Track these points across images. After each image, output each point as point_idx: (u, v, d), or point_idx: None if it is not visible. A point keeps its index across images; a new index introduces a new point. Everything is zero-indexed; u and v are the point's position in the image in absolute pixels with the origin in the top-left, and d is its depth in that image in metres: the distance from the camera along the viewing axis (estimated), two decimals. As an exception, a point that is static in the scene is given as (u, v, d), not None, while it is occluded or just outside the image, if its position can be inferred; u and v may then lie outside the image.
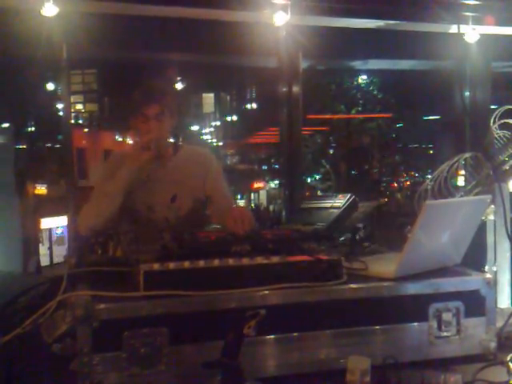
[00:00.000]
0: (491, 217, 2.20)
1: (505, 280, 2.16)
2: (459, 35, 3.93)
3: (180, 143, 2.60)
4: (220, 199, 2.45)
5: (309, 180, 19.11)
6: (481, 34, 3.98)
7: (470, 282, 1.70)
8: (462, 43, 4.01)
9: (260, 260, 1.58)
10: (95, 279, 1.59)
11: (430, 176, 2.38)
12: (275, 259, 1.59)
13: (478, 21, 3.93)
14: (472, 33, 3.93)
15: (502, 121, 2.28)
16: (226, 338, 1.32)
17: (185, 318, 1.44)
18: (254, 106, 26.49)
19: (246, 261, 1.58)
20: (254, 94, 26.51)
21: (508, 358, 1.56)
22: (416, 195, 2.30)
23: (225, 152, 26.48)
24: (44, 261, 15.67)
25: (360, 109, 19.92)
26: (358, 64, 5.56)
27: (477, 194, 2.24)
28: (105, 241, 1.80)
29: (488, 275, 1.73)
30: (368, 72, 18.48)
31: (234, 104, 29.02)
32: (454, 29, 3.98)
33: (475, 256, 2.06)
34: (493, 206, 2.15)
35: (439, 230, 1.71)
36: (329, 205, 2.16)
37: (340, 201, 2.14)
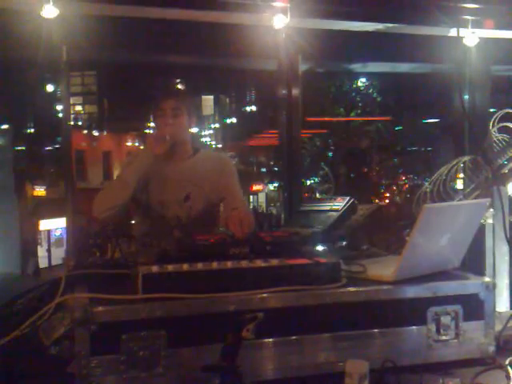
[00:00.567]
0: (490, 220, 2.20)
1: (503, 284, 2.16)
2: (459, 39, 3.93)
3: (197, 147, 2.65)
4: (233, 202, 2.45)
5: (308, 182, 19.11)
6: (480, 38, 3.98)
7: (469, 285, 1.70)
8: (461, 47, 4.00)
9: (259, 263, 1.58)
10: (93, 281, 1.59)
11: (428, 179, 2.38)
12: (274, 262, 1.59)
13: (477, 24, 3.92)
14: (471, 36, 3.92)
15: (501, 124, 2.29)
16: (225, 341, 1.32)
17: (183, 320, 1.44)
18: (254, 108, 26.49)
19: (244, 264, 1.58)
20: (253, 96, 26.52)
21: (507, 362, 1.56)
22: (415, 198, 2.30)
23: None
24: (42, 262, 15.65)
25: (359, 112, 19.94)
26: (357, 67, 5.55)
27: (476, 198, 2.24)
28: (103, 243, 1.80)
29: (487, 279, 1.73)
30: (367, 75, 18.47)
31: (233, 106, 29.02)
32: (453, 32, 3.98)
33: (474, 260, 2.06)
34: (492, 210, 2.15)
35: (438, 233, 1.71)
36: (328, 207, 2.16)
37: (339, 203, 2.14)
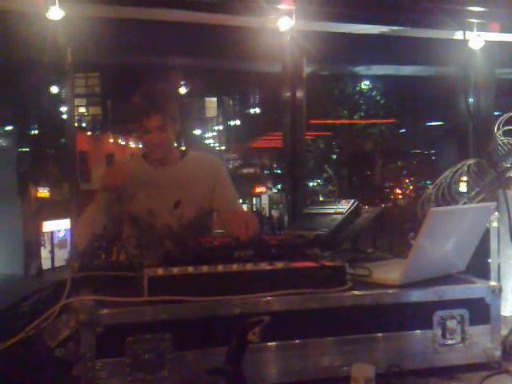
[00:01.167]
0: (495, 224, 2.19)
1: (508, 288, 2.15)
2: (464, 42, 3.93)
3: (184, 148, 2.56)
4: (228, 210, 2.35)
5: (311, 184, 19.11)
6: (485, 41, 3.98)
7: (475, 289, 1.69)
8: (466, 49, 4.01)
9: (264, 266, 1.58)
10: (98, 284, 1.59)
11: (431, 182, 2.37)
12: (279, 265, 1.59)
13: (482, 27, 3.93)
14: (477, 39, 3.93)
15: (506, 127, 2.28)
16: (230, 345, 1.31)
17: (188, 323, 1.44)
18: (257, 110, 26.53)
19: (249, 266, 1.57)
20: (257, 98, 26.56)
21: (513, 367, 1.55)
22: (419, 201, 2.30)
23: (227, 156, 26.51)
24: (46, 264, 15.68)
25: (363, 114, 19.95)
26: (361, 69, 5.57)
27: (480, 201, 2.23)
28: (108, 245, 1.80)
29: (493, 283, 1.73)
30: (371, 78, 18.50)
31: (236, 108, 29.07)
32: (458, 35, 3.99)
33: (479, 263, 2.05)
34: (496, 213, 2.15)
35: (444, 237, 1.70)
36: (332, 210, 2.15)
37: (343, 206, 2.14)
